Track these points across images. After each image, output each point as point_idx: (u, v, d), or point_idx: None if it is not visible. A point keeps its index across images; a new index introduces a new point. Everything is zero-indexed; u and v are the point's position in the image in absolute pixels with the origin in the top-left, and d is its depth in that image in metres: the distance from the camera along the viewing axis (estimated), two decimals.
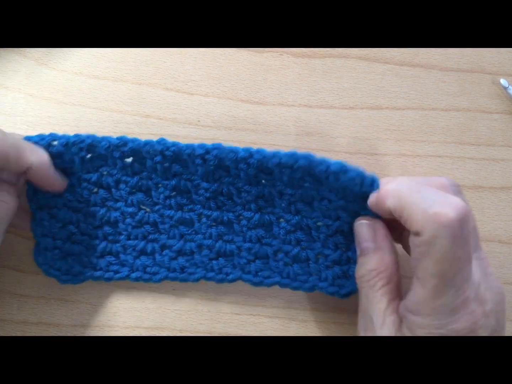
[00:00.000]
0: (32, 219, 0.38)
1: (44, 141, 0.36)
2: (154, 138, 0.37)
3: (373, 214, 0.34)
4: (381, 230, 0.33)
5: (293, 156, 0.33)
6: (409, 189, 0.30)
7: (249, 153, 0.34)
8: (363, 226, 0.34)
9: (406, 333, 0.30)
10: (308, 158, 0.33)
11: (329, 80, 0.43)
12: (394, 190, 0.31)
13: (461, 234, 0.27)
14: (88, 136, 0.37)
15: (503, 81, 0.43)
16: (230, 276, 0.39)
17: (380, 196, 0.32)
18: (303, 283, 0.38)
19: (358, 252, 0.34)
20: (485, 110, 0.43)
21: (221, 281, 0.39)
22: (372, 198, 0.33)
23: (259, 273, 0.39)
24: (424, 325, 0.29)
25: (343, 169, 0.32)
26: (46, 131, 0.43)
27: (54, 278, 0.39)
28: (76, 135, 0.37)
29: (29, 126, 0.43)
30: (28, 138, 0.36)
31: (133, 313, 0.41)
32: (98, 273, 0.39)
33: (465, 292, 0.28)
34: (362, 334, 0.33)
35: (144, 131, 0.43)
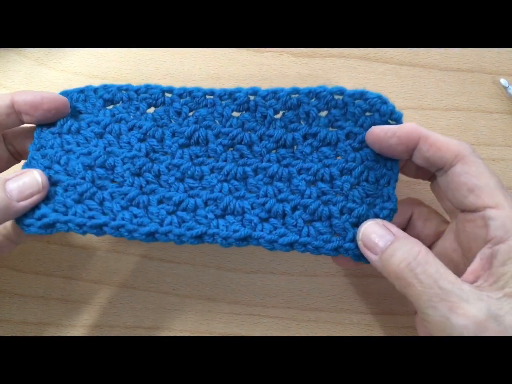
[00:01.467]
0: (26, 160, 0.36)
1: (76, 89, 0.37)
2: None
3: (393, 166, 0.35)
4: (390, 224, 0.32)
5: (322, 86, 0.36)
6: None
7: (280, 88, 0.36)
8: (372, 225, 0.32)
9: (491, 279, 0.28)
10: (337, 87, 0.36)
11: (329, 80, 0.43)
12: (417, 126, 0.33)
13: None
14: (121, 84, 0.37)
15: (503, 81, 0.43)
16: (237, 234, 0.32)
17: (412, 123, 0.33)
18: (326, 243, 0.33)
19: (372, 255, 0.32)
20: (485, 110, 0.43)
21: (225, 239, 0.33)
22: (403, 124, 0.33)
23: (273, 232, 0.33)
24: None
25: (368, 92, 0.35)
26: None
27: (16, 223, 0.34)
28: (111, 84, 0.37)
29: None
30: (64, 92, 0.37)
31: (133, 313, 0.41)
32: (67, 218, 0.33)
33: None
34: (452, 318, 0.27)
35: None
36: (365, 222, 0.33)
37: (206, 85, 0.43)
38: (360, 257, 0.33)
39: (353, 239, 0.33)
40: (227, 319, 0.42)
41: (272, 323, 0.42)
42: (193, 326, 0.41)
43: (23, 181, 0.33)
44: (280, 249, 0.33)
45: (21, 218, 0.33)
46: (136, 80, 0.43)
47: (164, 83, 0.43)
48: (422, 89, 0.43)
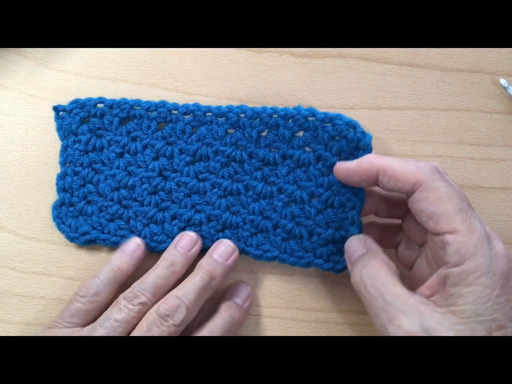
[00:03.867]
0: (59, 172, 0.41)
1: (91, 102, 0.40)
2: None
3: (359, 198, 0.37)
4: (369, 238, 0.36)
5: (297, 108, 0.38)
6: (389, 157, 0.34)
7: (263, 108, 0.39)
8: (353, 239, 0.36)
9: (442, 300, 0.30)
10: (310, 109, 0.37)
11: (329, 80, 0.43)
12: (378, 155, 0.34)
13: (446, 177, 0.32)
14: (132, 100, 0.40)
15: (503, 81, 0.43)
16: None
17: (369, 157, 0.34)
18: (300, 259, 0.39)
19: (350, 266, 0.35)
20: (485, 110, 0.43)
21: None
22: (361, 159, 0.34)
23: (260, 247, 0.40)
24: (474, 267, 0.28)
25: (339, 116, 0.36)
26: (46, 131, 0.43)
27: (63, 234, 0.41)
28: (123, 98, 0.41)
29: (29, 126, 0.43)
30: (76, 101, 0.41)
31: None
32: (105, 236, 0.41)
33: (485, 224, 0.30)
34: (389, 328, 0.30)
35: None
36: (351, 237, 0.37)
37: (206, 85, 0.43)
38: (329, 270, 0.39)
39: (321, 256, 0.38)
40: None
41: (272, 323, 0.42)
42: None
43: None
44: (265, 260, 0.40)
45: (67, 230, 0.41)
46: (136, 80, 0.43)
47: (164, 83, 0.43)
48: (422, 89, 0.43)
